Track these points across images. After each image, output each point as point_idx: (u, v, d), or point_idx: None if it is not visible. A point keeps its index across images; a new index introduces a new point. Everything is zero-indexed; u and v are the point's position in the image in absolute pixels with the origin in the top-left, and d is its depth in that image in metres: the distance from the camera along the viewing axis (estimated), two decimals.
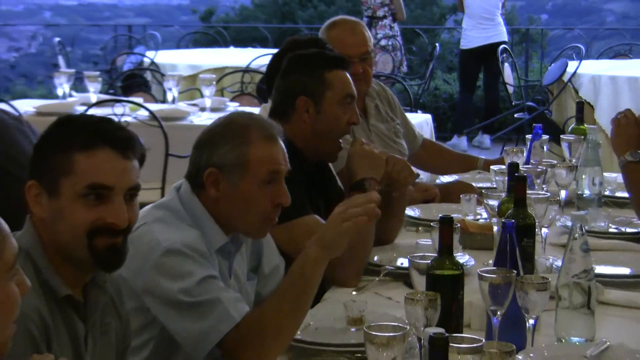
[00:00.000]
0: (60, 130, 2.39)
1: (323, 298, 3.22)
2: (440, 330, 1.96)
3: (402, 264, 3.41)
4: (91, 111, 6.00)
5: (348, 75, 3.67)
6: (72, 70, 7.80)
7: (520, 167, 3.65)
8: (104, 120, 2.45)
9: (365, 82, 4.48)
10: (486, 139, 11.26)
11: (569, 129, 4.79)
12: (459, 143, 10.95)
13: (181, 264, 2.75)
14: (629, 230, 3.94)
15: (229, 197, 2.88)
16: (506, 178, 3.54)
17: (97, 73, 7.51)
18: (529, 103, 9.88)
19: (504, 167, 3.85)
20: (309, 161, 3.64)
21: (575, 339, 2.72)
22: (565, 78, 8.86)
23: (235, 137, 2.92)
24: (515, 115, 9.96)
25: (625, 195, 4.28)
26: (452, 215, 2.66)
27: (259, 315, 2.77)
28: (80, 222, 2.32)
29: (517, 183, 3.11)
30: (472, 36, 11.15)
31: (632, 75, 8.43)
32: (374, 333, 2.15)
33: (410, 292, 2.51)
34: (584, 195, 4.03)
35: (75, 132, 2.37)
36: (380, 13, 11.21)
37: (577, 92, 8.69)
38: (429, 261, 2.65)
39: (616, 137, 3.93)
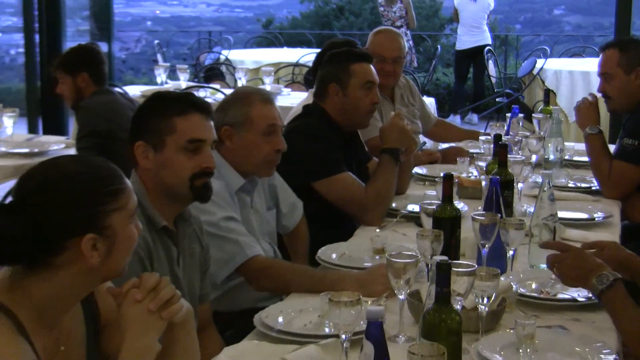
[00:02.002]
0: (159, 102, 2.41)
1: (355, 234, 3.21)
2: (444, 257, 1.93)
3: (413, 209, 3.39)
4: None
5: (371, 67, 3.61)
6: (168, 64, 7.77)
7: (502, 137, 3.61)
8: (190, 94, 2.50)
9: (394, 79, 4.55)
10: (474, 117, 11.19)
11: (538, 109, 4.74)
12: (454, 120, 10.84)
13: (210, 206, 2.68)
14: (583, 185, 3.92)
15: (240, 147, 2.87)
16: (492, 145, 3.51)
17: (186, 66, 7.47)
18: (507, 90, 9.81)
19: (490, 137, 3.81)
20: (344, 131, 3.61)
21: (543, 266, 2.69)
22: (535, 72, 8.79)
23: (240, 101, 2.92)
24: (497, 100, 9.91)
25: (580, 158, 4.26)
26: (451, 173, 2.64)
27: (273, 265, 2.75)
28: (185, 168, 2.36)
29: (500, 149, 3.09)
30: (465, 40, 11.04)
31: (585, 70, 8.39)
32: (393, 260, 2.13)
33: (420, 229, 2.49)
34: (550, 159, 4.00)
35: (172, 103, 2.39)
36: (398, 23, 11.09)
37: (543, 82, 8.62)
38: (435, 207, 2.64)
39: (579, 116, 3.94)
